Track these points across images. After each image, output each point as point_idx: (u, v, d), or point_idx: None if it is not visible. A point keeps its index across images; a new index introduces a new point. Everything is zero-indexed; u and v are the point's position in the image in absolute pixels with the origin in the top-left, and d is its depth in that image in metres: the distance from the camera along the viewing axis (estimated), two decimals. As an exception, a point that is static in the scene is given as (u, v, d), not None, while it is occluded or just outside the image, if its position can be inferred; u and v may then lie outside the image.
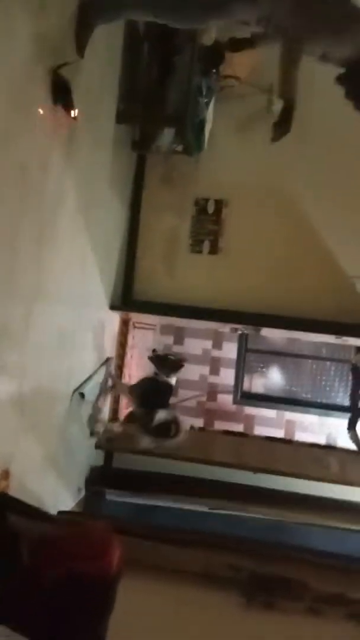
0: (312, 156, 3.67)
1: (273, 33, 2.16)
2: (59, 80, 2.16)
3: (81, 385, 2.99)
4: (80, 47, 2.37)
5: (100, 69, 2.76)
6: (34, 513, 1.28)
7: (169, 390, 3.41)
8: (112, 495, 3.24)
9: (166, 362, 3.40)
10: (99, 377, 3.36)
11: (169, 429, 3.22)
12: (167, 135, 3.35)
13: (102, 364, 3.45)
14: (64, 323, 2.68)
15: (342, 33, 2.10)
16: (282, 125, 2.22)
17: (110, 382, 3.57)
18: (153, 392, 3.30)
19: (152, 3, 2.27)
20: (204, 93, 3.26)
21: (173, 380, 3.40)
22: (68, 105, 2.27)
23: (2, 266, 1.91)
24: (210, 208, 3.81)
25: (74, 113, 2.32)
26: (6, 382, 2.07)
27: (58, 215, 2.41)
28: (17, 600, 1.06)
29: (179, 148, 3.45)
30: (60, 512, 2.73)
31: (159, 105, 3.16)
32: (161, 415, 3.21)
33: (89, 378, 3.13)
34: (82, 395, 2.94)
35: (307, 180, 3.71)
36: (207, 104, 3.37)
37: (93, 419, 3.24)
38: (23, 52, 1.90)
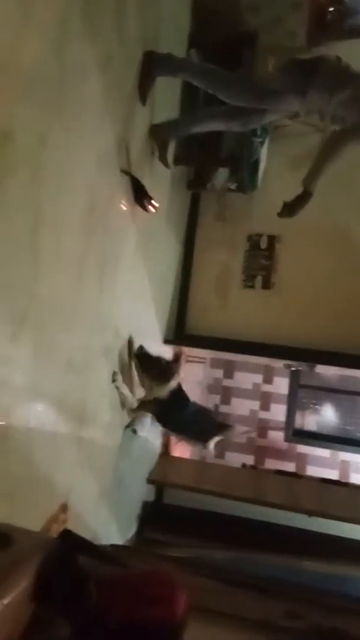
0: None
1: (329, 121, 2.27)
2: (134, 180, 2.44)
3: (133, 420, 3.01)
4: (143, 96, 2.54)
5: (160, 115, 2.89)
6: (101, 553, 1.28)
7: (180, 401, 2.87)
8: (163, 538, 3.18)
9: (152, 364, 2.75)
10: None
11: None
12: (221, 175, 3.44)
13: None
14: (121, 357, 2.73)
15: None
16: (291, 208, 2.32)
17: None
18: (170, 417, 2.93)
19: (212, 76, 2.43)
20: (258, 133, 3.33)
21: (172, 385, 2.76)
22: (146, 203, 2.53)
23: (71, 301, 1.99)
24: (263, 243, 3.83)
25: (152, 208, 2.56)
26: (68, 415, 2.12)
27: (119, 251, 2.50)
28: (85, 643, 1.05)
29: (233, 186, 3.52)
30: (112, 545, 2.70)
31: (214, 147, 3.25)
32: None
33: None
34: (134, 431, 2.95)
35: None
36: (262, 143, 3.44)
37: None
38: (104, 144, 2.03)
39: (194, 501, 3.54)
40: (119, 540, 2.95)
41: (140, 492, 3.39)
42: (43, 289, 1.74)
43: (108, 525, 2.78)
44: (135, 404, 2.79)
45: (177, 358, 2.82)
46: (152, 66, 2.49)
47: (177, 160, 3.23)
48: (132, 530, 3.23)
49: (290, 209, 2.31)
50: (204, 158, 3.34)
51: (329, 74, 2.18)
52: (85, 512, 2.38)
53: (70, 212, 1.90)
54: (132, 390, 2.77)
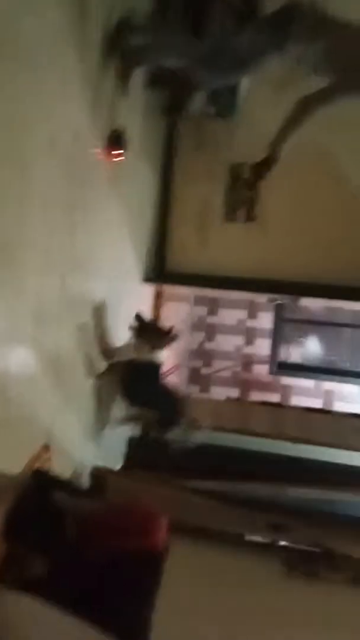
0: (354, 118, 3.44)
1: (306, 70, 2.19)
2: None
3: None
4: (124, 87, 2.51)
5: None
6: (77, 490, 1.29)
7: (154, 374, 2.70)
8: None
9: (150, 331, 2.67)
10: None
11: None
12: (199, 99, 3.21)
13: None
14: (98, 296, 2.67)
15: None
16: (257, 171, 2.29)
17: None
18: (136, 384, 2.68)
19: (187, 54, 2.33)
20: (237, 50, 3.08)
21: (158, 356, 2.68)
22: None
23: (38, 239, 1.90)
24: (246, 174, 3.66)
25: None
26: (43, 356, 2.08)
27: (88, 186, 2.36)
28: (64, 578, 1.08)
29: (212, 111, 3.30)
30: (95, 467, 2.71)
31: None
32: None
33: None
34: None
35: (348, 144, 3.49)
36: (241, 61, 3.18)
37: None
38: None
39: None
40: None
41: (124, 429, 3.45)
42: (7, 229, 1.64)
43: (93, 462, 2.84)
44: (101, 369, 2.66)
45: (171, 334, 2.83)
46: (130, 61, 2.43)
47: (150, 82, 2.99)
48: (118, 466, 3.32)
49: (256, 171, 2.30)
50: (179, 78, 3.08)
51: (304, 24, 2.07)
52: (68, 451, 2.41)
53: (30, 146, 1.75)
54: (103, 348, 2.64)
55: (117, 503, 1.38)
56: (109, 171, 2.55)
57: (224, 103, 3.25)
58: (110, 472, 2.75)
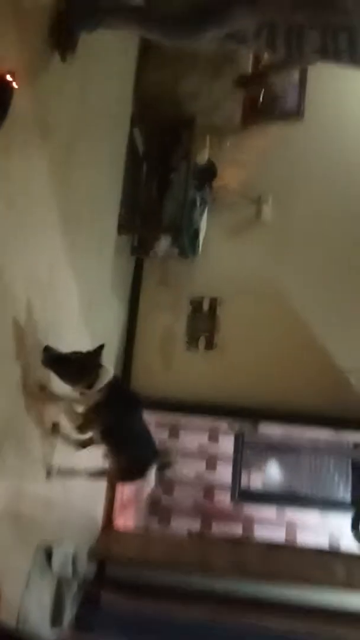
0: (301, 252, 3.89)
1: (272, 42, 1.89)
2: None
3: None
4: (63, 53, 2.13)
5: (104, 188, 3.03)
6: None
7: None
8: (108, 600, 2.97)
9: (67, 365, 2.26)
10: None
11: None
12: (164, 242, 3.58)
13: None
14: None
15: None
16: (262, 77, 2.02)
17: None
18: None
19: (143, 15, 2.07)
20: (198, 205, 3.54)
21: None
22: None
23: (9, 367, 1.95)
24: (205, 306, 3.95)
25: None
26: None
27: (62, 315, 2.51)
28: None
29: (175, 252, 3.66)
30: None
31: (157, 217, 3.41)
32: None
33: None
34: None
35: (298, 276, 3.87)
36: (201, 213, 3.64)
37: None
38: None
39: (137, 574, 3.38)
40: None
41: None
42: None
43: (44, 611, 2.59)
44: (79, 437, 2.43)
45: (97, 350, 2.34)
46: (71, 21, 2.02)
47: (122, 230, 3.34)
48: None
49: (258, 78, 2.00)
50: (147, 226, 3.47)
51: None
52: (18, 596, 2.21)
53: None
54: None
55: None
56: (80, 299, 2.72)
57: (186, 246, 3.63)
58: None
